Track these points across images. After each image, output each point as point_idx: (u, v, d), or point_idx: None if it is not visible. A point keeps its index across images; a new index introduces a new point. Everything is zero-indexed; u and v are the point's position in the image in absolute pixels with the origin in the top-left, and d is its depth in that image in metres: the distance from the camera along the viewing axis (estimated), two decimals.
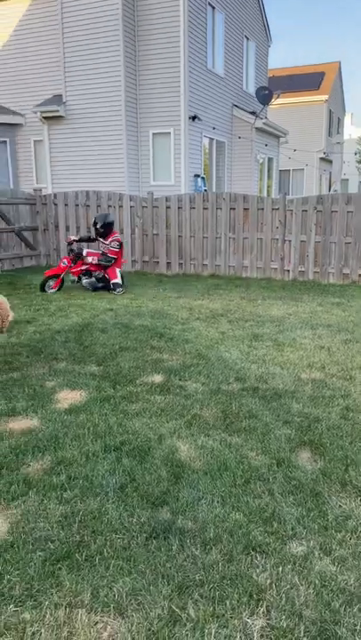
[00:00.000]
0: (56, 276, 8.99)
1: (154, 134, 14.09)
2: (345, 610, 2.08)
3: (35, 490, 2.87)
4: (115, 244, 9.14)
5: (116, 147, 13.91)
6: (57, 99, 14.63)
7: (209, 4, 14.54)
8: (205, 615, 2.03)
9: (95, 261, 9.09)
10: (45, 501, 2.76)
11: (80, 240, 9.40)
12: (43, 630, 1.98)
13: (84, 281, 9.18)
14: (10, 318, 2.74)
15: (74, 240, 9.28)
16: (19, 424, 3.71)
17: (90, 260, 9.10)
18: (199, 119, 14.23)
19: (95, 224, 9.16)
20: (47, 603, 2.10)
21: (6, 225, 11.42)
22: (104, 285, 9.12)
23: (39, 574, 2.25)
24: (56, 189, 14.41)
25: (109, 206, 11.64)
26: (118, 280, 9.06)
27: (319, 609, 2.08)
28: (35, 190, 12.70)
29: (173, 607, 2.07)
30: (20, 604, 2.10)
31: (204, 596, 2.13)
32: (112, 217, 9.60)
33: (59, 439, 3.42)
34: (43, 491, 2.86)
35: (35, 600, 2.12)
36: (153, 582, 2.20)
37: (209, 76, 14.96)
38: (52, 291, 8.91)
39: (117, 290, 8.95)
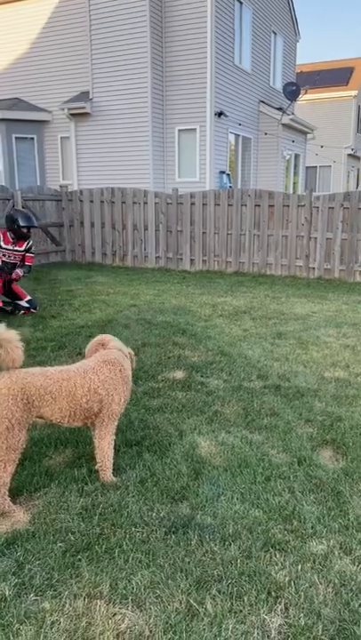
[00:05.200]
0: None
1: (180, 131, 14.07)
2: None
3: (56, 482, 2.90)
4: (33, 248, 7.45)
5: (141, 143, 13.94)
6: (84, 95, 14.73)
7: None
8: (223, 610, 2.04)
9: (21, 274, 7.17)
10: (67, 493, 2.80)
11: None
12: (62, 620, 2.00)
13: None
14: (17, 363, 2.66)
15: None
16: None
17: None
18: (225, 115, 14.16)
19: (16, 222, 7.00)
20: (67, 593, 2.13)
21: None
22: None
23: (59, 565, 2.28)
24: (82, 186, 14.53)
25: (134, 203, 11.68)
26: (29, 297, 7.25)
27: (338, 608, 2.06)
28: (61, 187, 12.83)
29: (191, 601, 2.08)
30: (40, 593, 2.13)
31: (222, 591, 2.13)
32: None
33: (80, 433, 3.46)
34: (64, 483, 2.89)
35: (54, 590, 2.15)
36: (171, 576, 2.21)
37: (236, 71, 14.87)
38: None
39: (33, 309, 7.09)
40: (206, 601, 2.08)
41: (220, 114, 13.89)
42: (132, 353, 3.19)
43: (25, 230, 7.10)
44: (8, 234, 7.11)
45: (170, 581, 2.18)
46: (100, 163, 14.68)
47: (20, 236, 7.13)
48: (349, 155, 27.86)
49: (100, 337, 3.18)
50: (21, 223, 7.02)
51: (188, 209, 11.23)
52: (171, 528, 2.51)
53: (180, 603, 2.08)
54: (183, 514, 2.63)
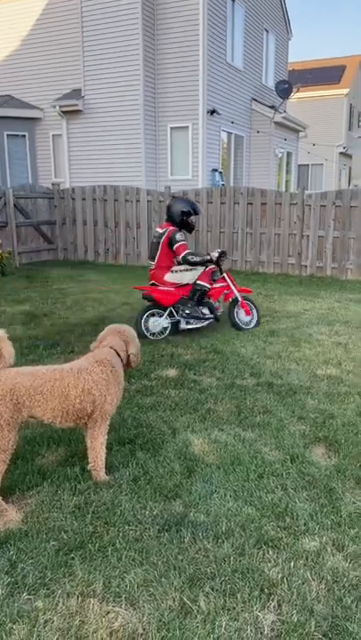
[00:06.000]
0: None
1: (172, 128, 14.05)
2: (357, 606, 2.07)
3: (49, 481, 2.90)
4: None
5: (133, 141, 13.91)
6: (76, 93, 14.67)
7: None
8: (216, 608, 2.04)
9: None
10: (60, 492, 2.79)
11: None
12: (55, 618, 2.00)
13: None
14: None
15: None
16: None
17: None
18: (218, 113, 14.15)
19: (189, 214, 6.04)
20: (60, 592, 2.13)
21: (25, 219, 11.51)
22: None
23: (52, 563, 2.27)
24: (74, 183, 14.47)
25: (127, 201, 11.66)
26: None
27: (331, 604, 2.08)
28: (53, 184, 12.78)
29: (184, 599, 2.08)
30: (33, 592, 2.13)
31: (215, 588, 2.14)
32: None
33: (73, 431, 3.45)
34: (57, 481, 2.89)
35: (47, 589, 2.15)
36: (165, 574, 2.21)
37: (228, 69, 14.86)
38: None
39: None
40: (200, 598, 2.09)
41: (212, 112, 13.88)
42: (139, 346, 3.15)
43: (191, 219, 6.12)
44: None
45: (163, 579, 2.18)
46: (92, 160, 14.63)
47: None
48: (341, 153, 27.94)
49: (115, 326, 3.14)
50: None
51: None
52: (164, 526, 2.51)
53: (174, 600, 2.08)
54: (176, 512, 2.63)
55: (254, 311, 6.42)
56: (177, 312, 5.95)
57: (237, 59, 15.48)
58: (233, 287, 6.23)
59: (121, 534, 2.46)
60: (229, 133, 15.36)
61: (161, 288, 5.90)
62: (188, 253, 5.85)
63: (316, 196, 10.21)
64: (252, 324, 6.35)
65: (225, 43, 14.47)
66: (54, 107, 14.71)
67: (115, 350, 2.98)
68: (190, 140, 13.85)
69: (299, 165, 22.42)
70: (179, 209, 5.97)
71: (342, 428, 3.60)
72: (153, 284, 5.97)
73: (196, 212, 6.09)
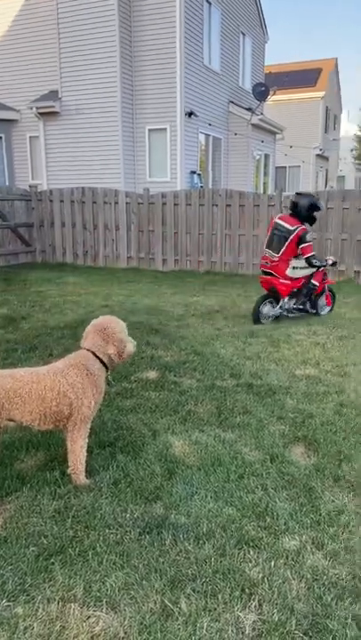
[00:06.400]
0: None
1: (150, 130, 14.06)
2: (336, 603, 2.09)
3: (28, 485, 2.87)
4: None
5: (111, 143, 13.88)
6: (53, 94, 14.59)
7: (206, 0, 14.50)
8: (197, 609, 2.04)
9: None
10: (39, 497, 2.76)
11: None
12: (35, 625, 1.98)
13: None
14: None
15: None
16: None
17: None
18: (195, 115, 14.21)
19: (316, 209, 6.69)
20: (40, 597, 2.11)
21: (2, 221, 11.39)
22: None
23: (32, 569, 2.25)
24: (52, 185, 14.37)
25: (105, 203, 11.62)
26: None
27: (311, 603, 2.09)
28: (30, 186, 12.68)
29: (166, 601, 2.08)
30: (12, 598, 2.10)
31: (197, 590, 2.14)
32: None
33: (53, 435, 3.42)
34: (36, 486, 2.86)
35: (27, 595, 2.12)
36: (146, 577, 2.21)
37: (205, 72, 14.93)
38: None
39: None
40: (181, 600, 2.09)
41: (190, 114, 13.93)
42: (134, 343, 3.02)
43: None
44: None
45: (144, 582, 2.18)
46: (69, 162, 14.55)
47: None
48: (318, 155, 28.28)
49: (98, 322, 2.98)
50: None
51: (160, 209, 11.23)
52: (145, 529, 2.51)
53: (155, 603, 2.08)
54: (157, 514, 2.63)
55: (332, 302, 7.31)
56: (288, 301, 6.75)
57: (214, 61, 15.57)
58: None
59: (101, 538, 2.45)
60: (207, 135, 15.43)
61: (282, 281, 6.52)
62: (313, 256, 6.51)
63: None
64: (326, 311, 7.19)
65: (202, 45, 14.54)
66: (31, 108, 14.61)
67: (92, 352, 2.95)
68: (168, 142, 13.88)
69: (276, 167, 22.63)
70: (307, 203, 6.57)
71: (321, 428, 3.64)
72: (270, 274, 6.57)
73: (320, 208, 6.73)
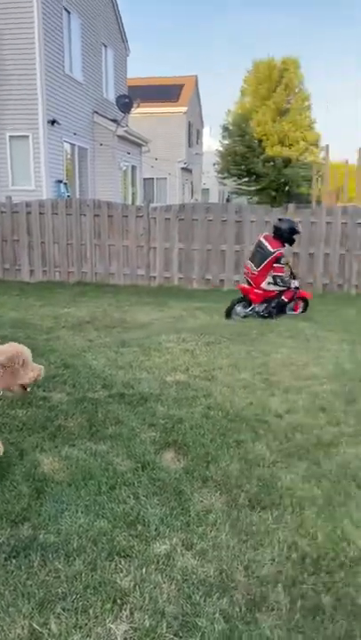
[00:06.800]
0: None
1: (11, 137, 13.58)
2: (205, 600, 2.16)
3: None
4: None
5: None
6: None
7: (65, 8, 14.39)
8: (68, 628, 1.99)
9: None
10: None
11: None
12: None
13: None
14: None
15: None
16: None
17: None
18: (58, 123, 14.00)
19: (296, 232, 7.75)
20: None
21: None
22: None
23: None
24: None
25: None
26: None
27: (181, 603, 2.14)
28: None
29: (34, 625, 2.00)
30: None
31: (67, 608, 2.09)
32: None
33: None
34: None
35: None
36: (12, 603, 2.11)
37: (67, 80, 14.78)
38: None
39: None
40: (50, 621, 2.02)
41: (53, 122, 13.70)
42: (39, 369, 2.97)
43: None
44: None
45: (10, 608, 2.08)
46: None
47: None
48: (183, 168, 29.31)
49: None
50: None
51: (25, 218, 10.88)
52: (11, 553, 2.39)
53: (23, 628, 1.99)
54: (24, 536, 2.53)
55: (300, 308, 8.01)
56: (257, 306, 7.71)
57: (76, 71, 15.49)
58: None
59: None
60: (72, 145, 15.28)
61: (256, 290, 7.53)
62: (280, 277, 7.48)
63: (161, 209, 10.58)
64: (294, 312, 7.97)
65: (63, 53, 14.39)
66: None
67: None
68: (32, 150, 13.51)
69: (144, 179, 23.05)
70: (287, 228, 7.52)
71: (190, 431, 3.75)
72: (249, 283, 7.60)
73: (299, 232, 7.87)
